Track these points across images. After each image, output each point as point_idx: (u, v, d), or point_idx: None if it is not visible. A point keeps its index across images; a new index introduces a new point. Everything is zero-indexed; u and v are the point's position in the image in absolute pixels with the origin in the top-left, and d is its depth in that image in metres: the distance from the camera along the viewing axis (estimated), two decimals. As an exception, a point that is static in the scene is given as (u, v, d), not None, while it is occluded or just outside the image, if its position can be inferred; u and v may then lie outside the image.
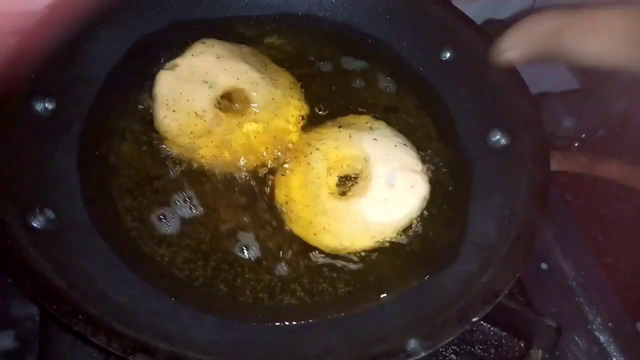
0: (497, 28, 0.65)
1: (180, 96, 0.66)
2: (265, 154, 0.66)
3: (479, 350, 0.65)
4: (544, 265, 0.74)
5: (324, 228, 0.60)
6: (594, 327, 0.69)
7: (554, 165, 0.79)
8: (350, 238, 0.60)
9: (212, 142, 0.65)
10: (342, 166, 0.64)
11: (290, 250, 0.59)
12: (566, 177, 0.86)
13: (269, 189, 0.63)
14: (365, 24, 0.78)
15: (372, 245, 0.59)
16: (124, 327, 0.45)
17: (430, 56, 0.74)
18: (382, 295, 0.55)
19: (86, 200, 0.58)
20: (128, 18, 0.70)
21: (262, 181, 0.64)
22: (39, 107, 0.59)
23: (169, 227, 0.58)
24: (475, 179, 0.64)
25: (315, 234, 0.60)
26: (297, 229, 0.61)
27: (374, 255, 0.59)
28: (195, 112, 0.65)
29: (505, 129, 0.65)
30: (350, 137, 0.65)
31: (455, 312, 0.49)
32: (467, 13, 0.74)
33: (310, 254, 0.59)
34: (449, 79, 0.72)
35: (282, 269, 0.57)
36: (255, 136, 0.66)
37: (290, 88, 0.71)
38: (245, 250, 0.58)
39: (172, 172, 0.63)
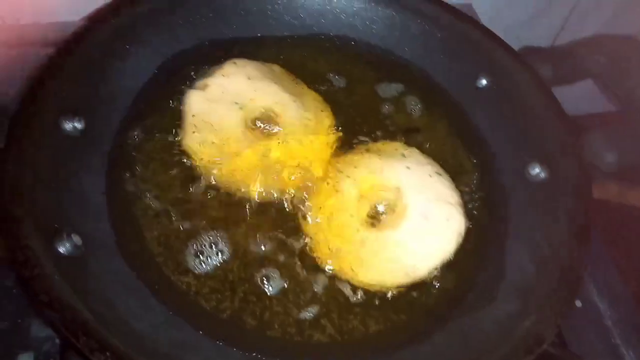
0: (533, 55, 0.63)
1: (209, 117, 0.65)
2: (294, 179, 0.64)
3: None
4: (578, 303, 0.71)
5: (354, 260, 0.58)
6: (632, 370, 0.66)
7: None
8: (382, 272, 0.57)
9: (240, 164, 0.63)
10: (373, 195, 0.62)
11: (320, 283, 0.57)
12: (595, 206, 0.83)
13: (297, 216, 0.61)
14: (398, 47, 0.76)
15: (405, 282, 0.57)
16: (148, 361, 0.43)
17: (465, 82, 0.72)
18: (414, 337, 0.53)
19: (112, 223, 0.56)
20: (158, 35, 0.69)
21: (290, 208, 0.62)
22: (68, 126, 0.58)
23: (196, 255, 0.57)
24: (512, 213, 0.62)
25: (345, 267, 0.58)
26: (327, 260, 0.59)
27: (406, 293, 0.57)
28: (225, 134, 0.64)
29: (544, 162, 0.62)
30: (382, 164, 0.63)
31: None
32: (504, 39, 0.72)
33: (341, 289, 0.56)
34: (485, 107, 0.70)
35: (312, 303, 0.55)
36: (284, 160, 0.64)
37: (322, 111, 0.70)
38: (272, 282, 0.56)
39: (199, 196, 0.61)
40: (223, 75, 0.67)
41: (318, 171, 0.65)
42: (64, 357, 0.59)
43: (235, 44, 0.73)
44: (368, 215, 0.61)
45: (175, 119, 0.66)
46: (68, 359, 0.59)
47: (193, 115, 0.64)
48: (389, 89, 0.73)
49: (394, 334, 0.54)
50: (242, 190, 0.62)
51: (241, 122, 0.65)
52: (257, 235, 0.59)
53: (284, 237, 0.60)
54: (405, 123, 0.71)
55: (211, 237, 0.58)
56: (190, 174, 0.62)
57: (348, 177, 0.63)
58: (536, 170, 0.62)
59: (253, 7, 0.74)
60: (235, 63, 0.68)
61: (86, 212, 0.55)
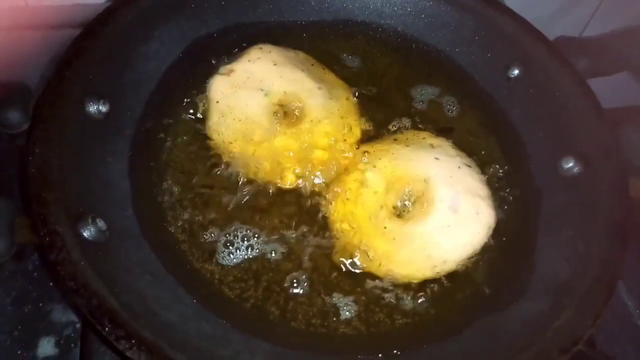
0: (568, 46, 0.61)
1: (234, 102, 0.63)
2: (320, 166, 0.62)
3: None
4: (606, 301, 0.69)
5: (381, 252, 0.57)
6: (661, 371, 0.65)
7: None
8: (409, 265, 0.56)
9: (265, 151, 0.62)
10: (401, 186, 0.61)
11: (346, 275, 0.56)
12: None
13: (323, 206, 0.60)
14: (427, 34, 0.74)
15: (433, 275, 0.56)
16: (177, 353, 0.42)
17: (497, 72, 0.69)
18: (442, 332, 0.52)
19: (136, 209, 0.55)
20: (183, 19, 0.67)
21: (316, 196, 0.61)
22: (92, 109, 0.57)
23: (222, 243, 0.56)
24: (544, 208, 0.60)
25: (372, 258, 0.57)
26: (353, 251, 0.58)
27: (434, 286, 0.56)
28: (249, 120, 0.62)
29: (579, 156, 0.60)
30: (409, 155, 0.62)
31: (529, 358, 0.45)
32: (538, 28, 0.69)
33: (367, 280, 0.55)
34: (517, 97, 0.68)
35: (336, 294, 0.54)
36: (310, 148, 0.63)
37: (347, 99, 0.68)
38: (297, 272, 0.55)
39: (223, 181, 0.60)
40: (249, 61, 0.65)
41: (344, 160, 0.63)
42: (85, 341, 0.59)
43: (261, 28, 0.71)
44: (395, 207, 0.60)
45: (200, 105, 0.64)
46: (89, 343, 0.59)
47: (217, 101, 0.63)
48: (416, 76, 0.71)
49: (422, 329, 0.53)
50: (267, 177, 0.61)
51: (266, 108, 0.63)
52: (282, 225, 0.58)
53: (309, 226, 0.58)
54: (433, 112, 0.69)
55: (236, 225, 0.57)
56: (215, 161, 0.62)
57: (374, 167, 0.61)
58: (570, 164, 0.60)
59: (279, -8, 0.72)
60: (261, 48, 0.67)
61: (110, 196, 0.54)
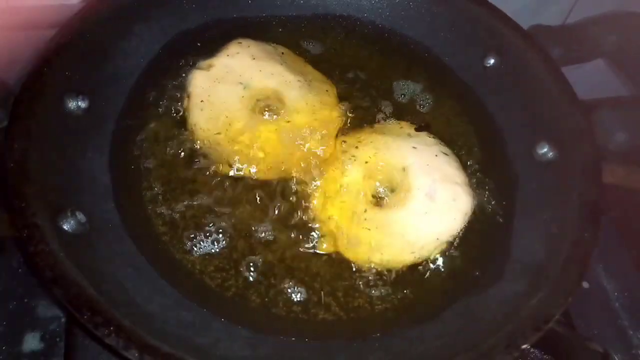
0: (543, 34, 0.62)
1: (214, 96, 0.64)
2: (300, 158, 0.63)
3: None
4: (585, 284, 0.71)
5: (360, 239, 0.57)
6: (640, 352, 0.66)
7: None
8: (388, 251, 0.57)
9: (245, 144, 0.63)
10: (379, 175, 0.62)
11: (325, 262, 0.56)
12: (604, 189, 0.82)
13: (302, 194, 0.61)
14: (404, 26, 0.75)
15: (411, 261, 0.57)
16: (155, 340, 0.43)
17: (473, 61, 0.71)
18: (421, 315, 0.53)
19: (117, 202, 0.56)
20: (163, 15, 0.68)
21: (295, 186, 0.61)
22: (71, 105, 0.57)
23: (201, 234, 0.56)
24: (520, 193, 0.61)
25: (350, 245, 0.57)
26: (332, 238, 0.59)
27: (413, 272, 0.56)
28: (229, 114, 0.63)
29: (553, 142, 0.61)
30: (388, 144, 0.63)
31: (504, 337, 0.46)
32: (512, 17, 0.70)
33: (347, 267, 0.56)
34: (493, 85, 0.69)
35: (317, 280, 0.55)
36: (289, 140, 0.64)
37: (326, 91, 0.69)
38: (277, 261, 0.56)
39: (203, 175, 0.61)
40: (228, 55, 0.66)
41: (324, 151, 0.64)
42: (70, 335, 0.59)
43: (240, 23, 0.72)
44: (374, 196, 0.61)
45: (180, 99, 0.65)
46: (73, 337, 0.59)
47: (197, 96, 0.64)
48: (394, 68, 0.72)
49: (401, 312, 0.54)
50: (247, 169, 0.62)
51: (246, 101, 0.64)
52: (261, 214, 0.59)
53: (290, 216, 0.59)
54: (410, 102, 0.70)
55: (215, 217, 0.58)
56: (195, 153, 0.62)
57: (354, 156, 0.62)
58: (544, 150, 0.61)
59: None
60: (240, 43, 0.68)
61: (91, 190, 0.55)
